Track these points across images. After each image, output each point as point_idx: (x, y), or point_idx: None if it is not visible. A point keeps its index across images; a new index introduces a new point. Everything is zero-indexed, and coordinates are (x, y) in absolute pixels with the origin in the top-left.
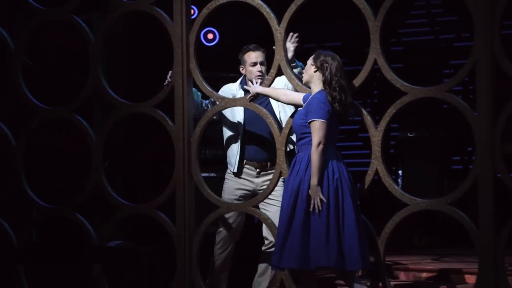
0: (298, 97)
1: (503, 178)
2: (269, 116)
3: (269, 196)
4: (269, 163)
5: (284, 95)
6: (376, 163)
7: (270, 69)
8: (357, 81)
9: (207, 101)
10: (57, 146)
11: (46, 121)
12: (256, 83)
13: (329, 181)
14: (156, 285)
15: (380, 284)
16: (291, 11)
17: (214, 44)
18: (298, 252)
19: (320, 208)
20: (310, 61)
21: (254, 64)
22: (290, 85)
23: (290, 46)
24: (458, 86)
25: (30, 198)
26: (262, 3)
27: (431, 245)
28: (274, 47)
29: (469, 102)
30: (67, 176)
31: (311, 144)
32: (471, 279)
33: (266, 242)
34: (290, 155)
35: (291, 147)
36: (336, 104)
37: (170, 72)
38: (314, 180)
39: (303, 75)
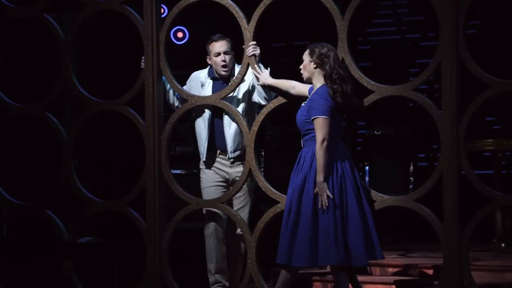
0: (304, 89)
1: (467, 175)
2: (238, 114)
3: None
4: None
5: (293, 88)
6: None
7: (238, 59)
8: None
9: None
10: (28, 143)
11: (17, 119)
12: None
13: (333, 178)
14: (126, 281)
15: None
16: (260, 10)
17: (184, 43)
18: (307, 251)
19: (327, 205)
20: (307, 58)
21: (218, 54)
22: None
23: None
24: (423, 84)
25: (0, 195)
26: (231, 2)
27: (397, 240)
28: (243, 46)
29: (435, 101)
30: (38, 173)
31: (314, 140)
32: (436, 274)
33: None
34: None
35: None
36: (339, 97)
37: (143, 57)
38: (320, 177)
39: (302, 71)
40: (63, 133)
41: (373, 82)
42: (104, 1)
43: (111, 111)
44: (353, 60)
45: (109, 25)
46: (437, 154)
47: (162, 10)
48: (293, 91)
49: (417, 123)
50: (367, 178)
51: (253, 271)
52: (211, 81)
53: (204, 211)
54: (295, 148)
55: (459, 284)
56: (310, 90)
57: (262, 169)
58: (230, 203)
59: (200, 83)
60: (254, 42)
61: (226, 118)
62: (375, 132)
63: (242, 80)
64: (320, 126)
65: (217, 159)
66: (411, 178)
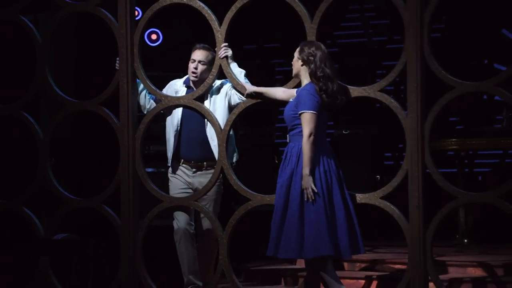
0: (293, 91)
1: (431, 173)
2: (210, 114)
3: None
4: (205, 163)
5: (283, 92)
6: None
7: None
8: (295, 81)
9: (154, 96)
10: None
11: None
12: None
13: (320, 173)
14: (101, 277)
15: None
16: (232, 13)
17: (158, 45)
18: (293, 242)
19: (313, 198)
20: (296, 55)
21: (193, 61)
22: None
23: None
24: (390, 86)
25: None
26: (203, 5)
27: (364, 237)
28: (216, 49)
29: (400, 101)
30: (14, 171)
31: (301, 135)
32: (401, 268)
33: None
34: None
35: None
36: (324, 95)
37: (118, 58)
38: (306, 170)
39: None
40: (40, 133)
41: (341, 84)
42: (79, 3)
43: (87, 111)
44: None
45: (85, 26)
46: (403, 153)
47: (136, 13)
48: (283, 95)
49: (383, 123)
50: None
51: (224, 267)
52: (185, 89)
53: (174, 217)
54: (265, 147)
55: (423, 278)
56: (297, 90)
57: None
58: None
59: (175, 91)
60: (226, 44)
61: (208, 131)
62: (343, 132)
63: (213, 81)
64: (308, 120)
65: (181, 167)
66: (378, 176)
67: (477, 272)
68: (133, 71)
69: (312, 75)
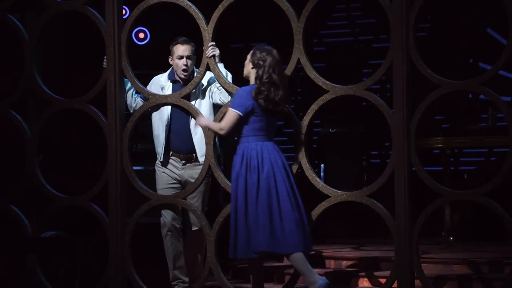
0: None
1: (417, 171)
2: (198, 112)
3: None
4: (194, 155)
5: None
6: (300, 157)
7: (198, 65)
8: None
9: (141, 95)
10: None
11: None
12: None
13: (259, 173)
14: (90, 275)
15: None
16: (219, 12)
17: (146, 43)
18: (242, 243)
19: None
20: (248, 57)
21: (181, 57)
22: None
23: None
24: (376, 84)
25: None
26: (190, 4)
27: (351, 234)
28: (203, 47)
29: (386, 100)
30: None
31: (241, 136)
32: (387, 266)
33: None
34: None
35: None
36: (262, 100)
37: (105, 57)
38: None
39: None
40: (27, 131)
41: (328, 82)
42: (67, 2)
43: (75, 109)
44: (308, 60)
45: (73, 25)
46: (389, 151)
47: (124, 11)
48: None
49: (370, 121)
50: (322, 175)
51: (212, 264)
52: (171, 84)
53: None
54: None
55: (409, 275)
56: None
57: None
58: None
59: (160, 87)
60: (213, 43)
61: (192, 125)
62: (330, 130)
63: (201, 80)
64: (227, 117)
65: (170, 160)
66: (364, 174)
67: (462, 269)
68: (120, 70)
69: (257, 78)
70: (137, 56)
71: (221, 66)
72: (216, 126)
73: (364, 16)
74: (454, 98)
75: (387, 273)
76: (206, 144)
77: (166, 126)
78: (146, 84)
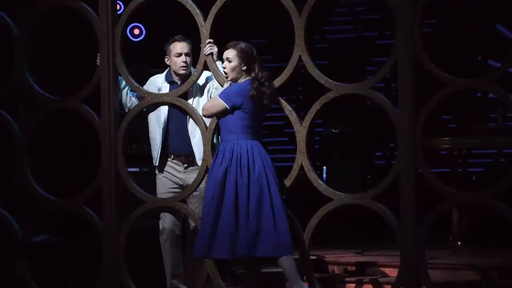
0: None
1: (423, 173)
2: (195, 112)
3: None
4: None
5: None
6: (301, 158)
7: (195, 62)
8: (282, 78)
9: (136, 93)
10: None
11: None
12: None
13: (250, 171)
14: (82, 280)
15: (305, 277)
16: (217, 8)
17: (141, 40)
18: (228, 243)
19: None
20: (231, 56)
21: (179, 54)
22: (214, 83)
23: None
24: (380, 83)
25: None
26: None
27: (354, 239)
28: (201, 44)
29: (391, 99)
30: None
31: (230, 133)
32: (393, 272)
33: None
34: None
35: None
36: (265, 89)
37: (99, 54)
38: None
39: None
40: (17, 131)
41: (330, 80)
42: None
43: (67, 109)
44: (310, 58)
45: (65, 21)
46: (394, 153)
47: (118, 7)
48: None
49: (374, 121)
50: (324, 176)
51: (210, 270)
52: (168, 85)
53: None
54: None
55: (416, 282)
56: None
57: None
58: (185, 203)
59: (157, 88)
60: (211, 40)
61: (190, 127)
62: (333, 130)
63: (198, 78)
64: (214, 103)
65: (170, 163)
66: (369, 176)
67: (471, 275)
68: (114, 67)
69: (252, 70)
70: (132, 53)
71: (219, 64)
72: (202, 112)
73: (367, 11)
74: (462, 97)
75: (392, 279)
76: (204, 144)
77: (163, 128)
78: (141, 82)
